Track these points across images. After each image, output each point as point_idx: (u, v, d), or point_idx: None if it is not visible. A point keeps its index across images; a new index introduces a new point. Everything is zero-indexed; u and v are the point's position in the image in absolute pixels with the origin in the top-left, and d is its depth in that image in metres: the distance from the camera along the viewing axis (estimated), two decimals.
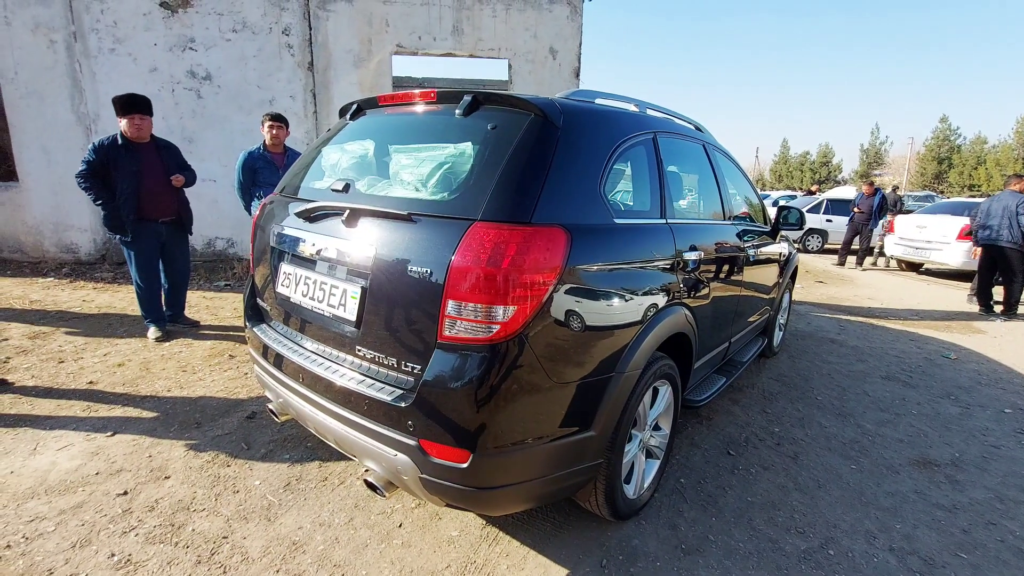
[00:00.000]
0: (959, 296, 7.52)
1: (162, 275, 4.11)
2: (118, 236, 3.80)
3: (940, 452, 2.85)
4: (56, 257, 6.72)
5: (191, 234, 4.16)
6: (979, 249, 6.38)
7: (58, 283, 5.72)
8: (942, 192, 36.48)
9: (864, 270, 10.03)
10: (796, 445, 2.83)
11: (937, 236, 8.81)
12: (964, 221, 8.33)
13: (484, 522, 2.06)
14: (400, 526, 2.03)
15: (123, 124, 3.64)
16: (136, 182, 3.68)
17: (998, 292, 6.56)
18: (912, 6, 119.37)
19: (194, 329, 4.24)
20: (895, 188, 14.25)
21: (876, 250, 10.80)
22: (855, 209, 9.96)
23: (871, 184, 10.23)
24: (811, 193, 17.24)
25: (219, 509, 2.08)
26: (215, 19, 6.56)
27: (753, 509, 2.24)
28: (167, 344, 3.89)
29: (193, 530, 1.95)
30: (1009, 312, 6.27)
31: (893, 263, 10.37)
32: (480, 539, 1.97)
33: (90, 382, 3.17)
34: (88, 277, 6.04)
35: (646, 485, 2.18)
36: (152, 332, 3.97)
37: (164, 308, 4.19)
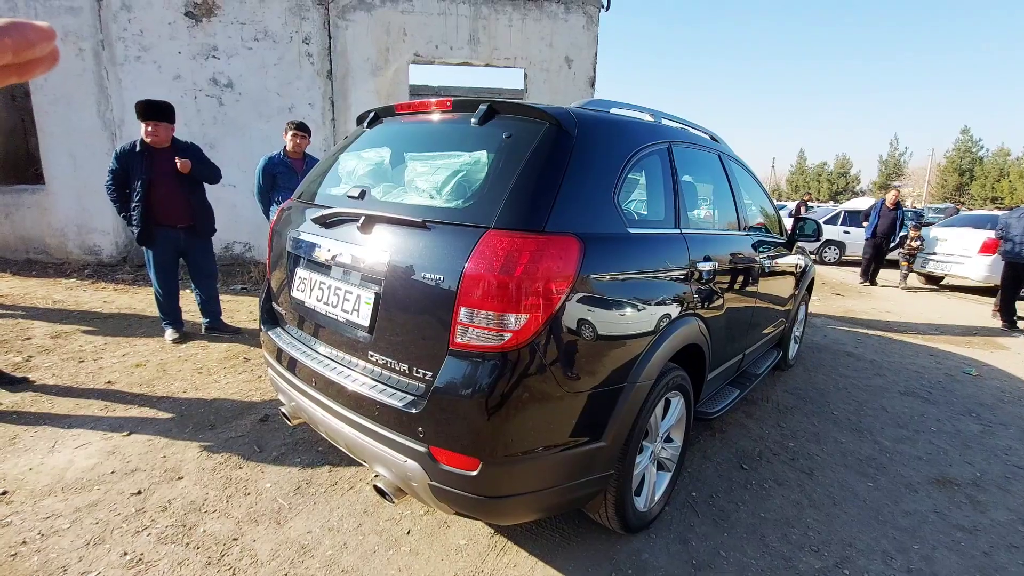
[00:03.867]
0: (980, 310, 7.35)
1: (192, 284, 4.18)
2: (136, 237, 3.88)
3: (961, 471, 2.77)
4: (79, 259, 6.88)
5: (207, 239, 4.12)
6: None
7: (80, 284, 5.86)
8: (963, 203, 35.74)
9: (908, 288, 9.05)
10: (811, 460, 2.78)
11: (958, 249, 8.62)
12: (986, 234, 8.16)
13: (492, 531, 2.05)
14: (408, 533, 2.02)
15: (141, 130, 3.70)
16: (147, 188, 3.71)
17: (1021, 307, 6.40)
18: (932, 15, 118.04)
19: (236, 336, 4.23)
20: (961, 202, 13.63)
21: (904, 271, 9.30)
22: (874, 223, 8.93)
23: (897, 193, 9.07)
24: (803, 204, 16.15)
25: (230, 511, 2.09)
26: (237, 28, 6.71)
27: (766, 525, 2.20)
28: (184, 346, 3.95)
29: (204, 531, 1.97)
30: (1010, 324, 6.12)
31: (912, 280, 9.37)
32: (488, 548, 1.96)
33: (108, 382, 3.23)
34: (109, 279, 6.17)
35: (657, 498, 2.15)
36: (169, 334, 4.03)
37: (202, 317, 4.25)
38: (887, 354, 4.87)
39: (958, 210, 11.80)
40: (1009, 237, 6.14)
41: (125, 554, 1.83)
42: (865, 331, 5.75)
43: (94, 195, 6.64)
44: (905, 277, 9.22)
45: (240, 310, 5.08)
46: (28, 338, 3.92)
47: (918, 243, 9.05)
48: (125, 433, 2.64)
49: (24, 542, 1.86)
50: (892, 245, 9.15)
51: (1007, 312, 6.31)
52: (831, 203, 19.34)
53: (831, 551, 2.07)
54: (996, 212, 10.66)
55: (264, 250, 6.96)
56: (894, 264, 10.27)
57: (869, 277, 9.25)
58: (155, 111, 3.69)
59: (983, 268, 8.14)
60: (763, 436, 3.02)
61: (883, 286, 9.21)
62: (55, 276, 6.18)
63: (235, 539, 1.94)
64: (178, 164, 3.77)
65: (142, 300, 5.23)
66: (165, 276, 3.97)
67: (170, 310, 4.06)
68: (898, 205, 8.93)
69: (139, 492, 2.18)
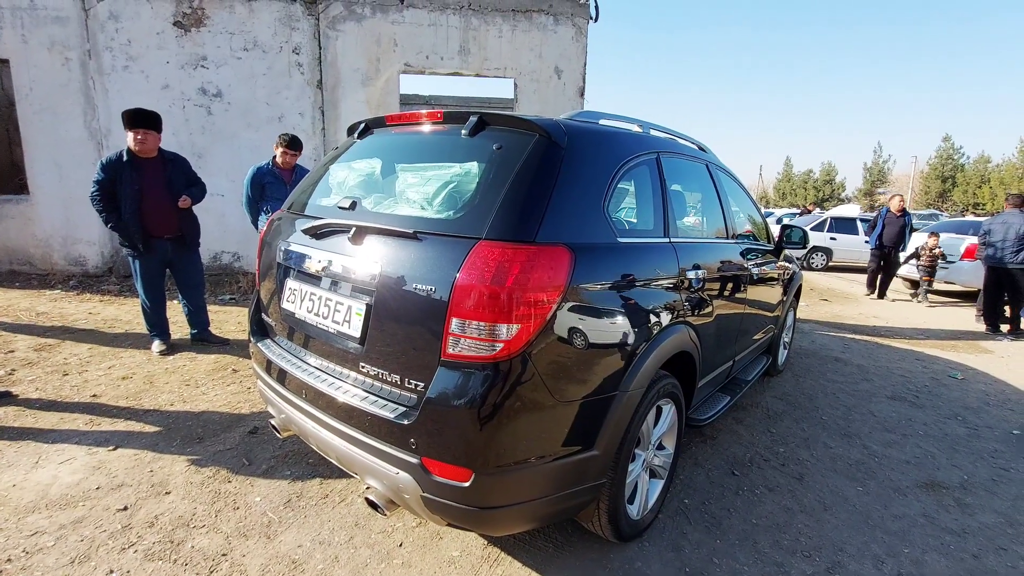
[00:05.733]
0: (964, 315, 7.47)
1: (179, 295, 4.15)
2: (126, 251, 3.83)
3: (948, 474, 2.81)
4: (64, 270, 6.78)
5: (195, 249, 4.10)
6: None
7: (65, 295, 5.77)
8: (967, 209, 36.34)
9: (931, 305, 8.27)
10: (801, 466, 2.80)
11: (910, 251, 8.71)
12: (969, 240, 8.32)
13: (485, 542, 2.04)
14: (401, 545, 2.01)
15: (128, 138, 3.68)
16: (137, 198, 3.68)
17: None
18: (915, 23, 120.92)
19: (224, 347, 4.20)
20: (966, 207, 13.24)
21: (922, 286, 8.49)
22: (879, 231, 8.21)
23: (901, 199, 8.36)
24: (807, 211, 16.98)
25: (219, 526, 2.06)
26: (227, 38, 6.70)
27: (758, 531, 2.21)
28: (171, 358, 3.90)
29: (192, 547, 1.94)
30: (1016, 332, 6.23)
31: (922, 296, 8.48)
32: (481, 560, 1.95)
33: (94, 395, 3.18)
34: (95, 290, 6.09)
35: (650, 506, 2.16)
36: (156, 346, 3.98)
37: (190, 328, 4.22)
38: (874, 359, 4.93)
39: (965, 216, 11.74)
40: (991, 242, 6.28)
41: (111, 571, 1.79)
42: (852, 336, 5.82)
43: (80, 205, 6.57)
44: (924, 293, 8.45)
45: (228, 321, 5.03)
46: (11, 351, 3.85)
47: (939, 250, 8.27)
48: (111, 447, 2.60)
49: (9, 560, 1.81)
50: (905, 257, 8.57)
51: (990, 316, 6.42)
52: (817, 210, 19.90)
53: (822, 556, 2.08)
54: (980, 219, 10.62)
55: (253, 260, 6.91)
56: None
57: (878, 290, 8.58)
58: (143, 120, 3.67)
59: (966, 273, 8.28)
60: (754, 442, 3.04)
61: (894, 300, 8.57)
62: (39, 287, 6.08)
63: (224, 555, 1.91)
64: (180, 203, 3.83)
65: (128, 311, 5.17)
66: (152, 287, 3.92)
67: (157, 321, 4.02)
68: (904, 212, 8.30)
69: (125, 508, 2.14)
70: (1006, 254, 6.11)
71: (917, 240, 8.82)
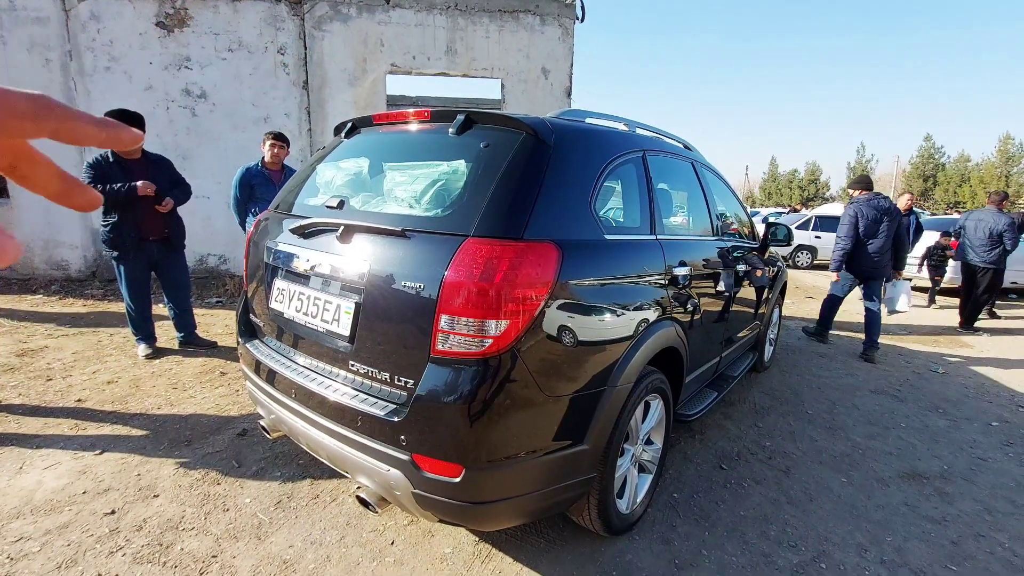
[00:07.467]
0: (947, 312, 7.61)
1: (165, 298, 4.10)
2: (113, 254, 3.77)
3: (929, 465, 2.87)
4: (46, 274, 6.67)
5: (180, 251, 4.05)
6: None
7: (47, 300, 5.67)
8: (927, 208, 37.16)
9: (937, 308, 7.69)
10: (787, 459, 2.85)
11: (921, 252, 8.89)
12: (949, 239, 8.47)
13: (477, 539, 2.05)
14: (392, 544, 2.01)
15: None
16: (125, 201, 3.62)
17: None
18: (898, 25, 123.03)
19: (211, 349, 4.17)
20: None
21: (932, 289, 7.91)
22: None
23: (911, 197, 7.14)
24: (795, 211, 17.52)
25: (209, 528, 2.05)
26: (211, 38, 6.63)
27: (746, 523, 2.25)
28: (157, 361, 3.85)
29: (182, 549, 1.93)
30: (966, 326, 6.36)
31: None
32: (473, 556, 1.96)
33: (78, 400, 3.14)
34: (78, 294, 5.99)
35: (639, 500, 2.18)
36: (142, 349, 3.93)
37: (176, 331, 4.18)
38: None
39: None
40: (964, 239, 6.42)
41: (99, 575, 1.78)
42: (836, 332, 5.91)
43: (61, 208, 6.45)
44: (933, 295, 7.96)
45: (216, 323, 4.98)
46: None
47: (950, 252, 7.48)
48: (97, 452, 2.57)
49: None
50: (920, 259, 7.92)
51: (966, 312, 6.55)
52: (802, 209, 20.35)
53: (808, 546, 2.12)
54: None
55: (240, 262, 6.84)
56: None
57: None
58: (126, 121, 3.60)
59: (947, 271, 8.44)
60: (741, 436, 3.09)
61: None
62: (20, 292, 5.97)
63: (214, 556, 1.90)
64: (160, 207, 3.73)
65: (113, 315, 5.09)
66: (137, 290, 3.87)
67: (142, 325, 3.96)
68: (910, 211, 7.16)
69: (113, 512, 2.12)
70: (977, 251, 6.25)
71: (923, 241, 8.14)
